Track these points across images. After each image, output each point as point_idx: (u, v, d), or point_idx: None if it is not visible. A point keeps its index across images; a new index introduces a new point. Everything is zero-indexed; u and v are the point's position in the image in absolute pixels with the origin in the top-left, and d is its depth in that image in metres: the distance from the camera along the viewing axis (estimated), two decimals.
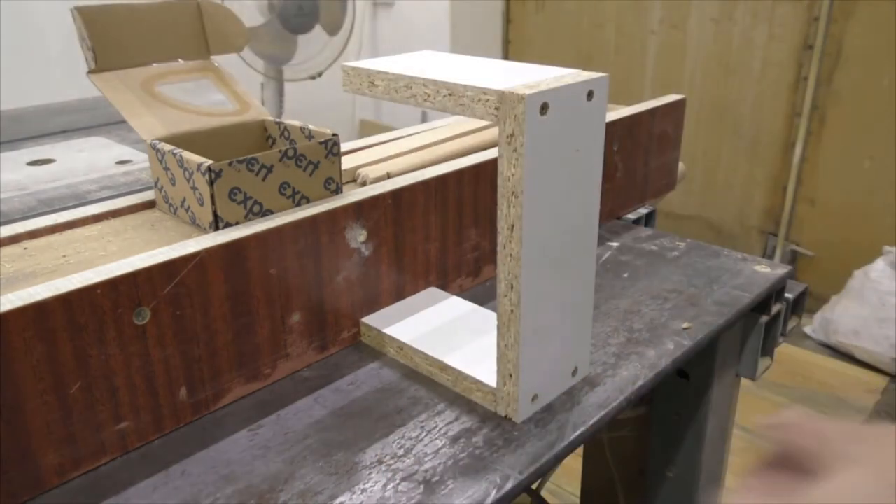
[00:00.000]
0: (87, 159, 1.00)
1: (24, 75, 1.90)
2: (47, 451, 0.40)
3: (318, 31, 1.85)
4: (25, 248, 0.48)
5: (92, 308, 0.40)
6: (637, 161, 0.79)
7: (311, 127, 0.55)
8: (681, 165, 0.89)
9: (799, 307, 0.72)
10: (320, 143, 0.52)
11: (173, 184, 0.51)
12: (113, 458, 0.44)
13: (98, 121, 1.19)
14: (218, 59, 0.60)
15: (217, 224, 0.48)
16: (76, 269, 0.42)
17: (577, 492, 1.00)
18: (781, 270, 0.68)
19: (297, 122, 0.57)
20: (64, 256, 0.47)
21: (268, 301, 0.49)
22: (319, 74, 1.95)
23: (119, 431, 0.43)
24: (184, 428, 0.47)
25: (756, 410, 1.75)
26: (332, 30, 1.88)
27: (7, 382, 0.38)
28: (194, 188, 0.48)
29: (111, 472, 0.43)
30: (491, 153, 0.63)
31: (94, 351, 0.41)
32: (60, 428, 0.41)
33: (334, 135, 0.53)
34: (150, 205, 0.56)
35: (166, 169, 0.51)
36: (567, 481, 1.43)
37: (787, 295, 0.69)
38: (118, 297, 0.41)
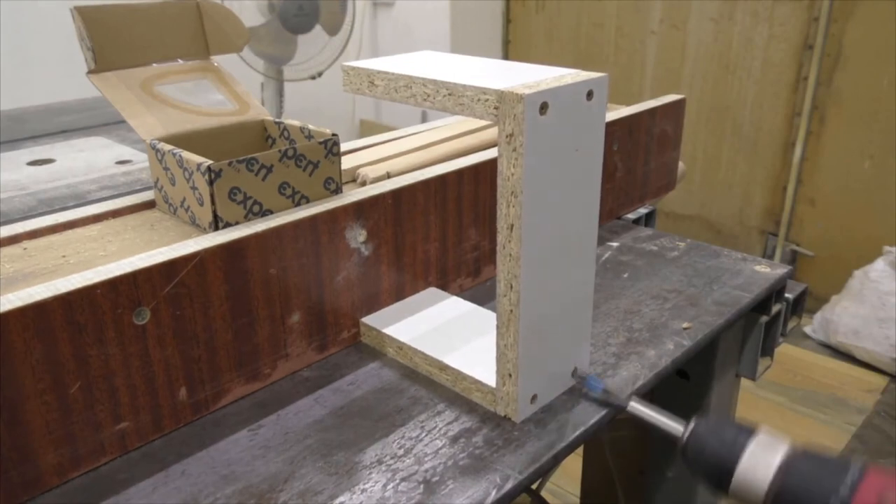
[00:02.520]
0: (87, 159, 1.00)
1: (24, 75, 1.90)
2: (47, 450, 0.40)
3: (318, 31, 1.85)
4: (25, 249, 0.48)
5: (91, 308, 0.40)
6: (637, 161, 0.79)
7: (311, 127, 0.55)
8: (681, 165, 0.89)
9: (799, 307, 0.72)
10: (320, 142, 0.52)
11: (173, 184, 0.51)
12: (113, 458, 0.44)
13: (98, 121, 1.19)
14: (218, 59, 0.60)
15: (217, 224, 0.48)
16: (76, 270, 0.42)
17: (577, 492, 1.00)
18: (781, 270, 0.68)
19: (296, 122, 0.57)
20: (64, 256, 0.47)
21: (267, 301, 0.49)
22: (319, 74, 1.95)
23: (119, 431, 0.43)
24: (184, 428, 0.47)
25: (756, 410, 1.75)
26: (332, 30, 1.88)
27: (7, 382, 0.38)
28: (194, 188, 0.48)
29: (111, 472, 0.43)
30: (491, 153, 0.63)
31: (94, 351, 0.41)
32: (60, 428, 0.41)
33: (334, 135, 0.53)
34: (149, 205, 0.56)
35: (166, 169, 0.51)
36: (567, 481, 1.43)
37: (786, 295, 0.69)
38: (118, 297, 0.41)
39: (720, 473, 0.40)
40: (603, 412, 0.48)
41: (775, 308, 0.68)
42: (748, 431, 0.41)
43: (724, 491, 0.41)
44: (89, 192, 0.87)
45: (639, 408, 0.44)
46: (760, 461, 0.39)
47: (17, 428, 0.39)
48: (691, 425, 0.43)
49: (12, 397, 0.38)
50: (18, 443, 0.39)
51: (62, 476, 0.42)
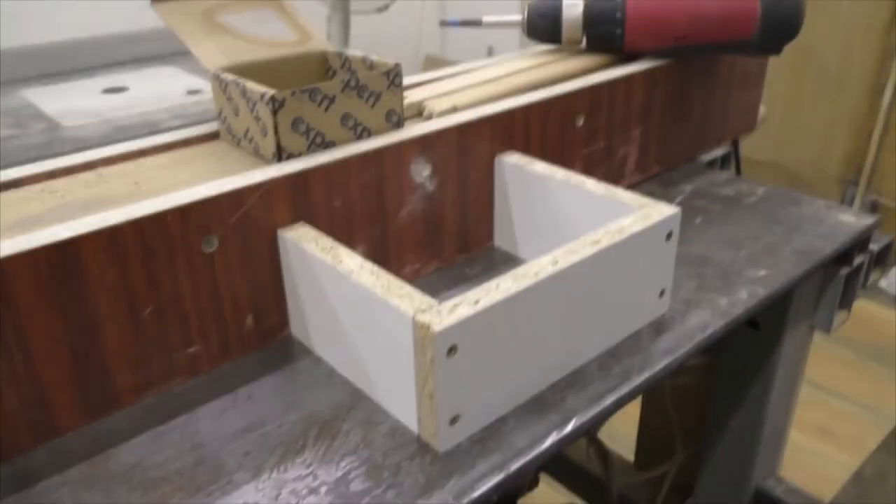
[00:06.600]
0: (159, 88, 1.01)
1: (98, 2, 1.93)
2: (122, 370, 0.42)
3: None
4: (100, 175, 0.49)
5: (162, 234, 0.41)
6: (715, 99, 0.75)
7: (373, 58, 0.54)
8: (761, 108, 0.84)
9: (882, 260, 0.69)
10: (382, 73, 0.51)
11: (237, 114, 0.51)
12: (183, 380, 0.45)
13: (170, 50, 1.20)
14: None
15: (280, 155, 0.48)
16: (147, 196, 0.42)
17: (632, 435, 1.00)
18: (867, 221, 0.64)
19: (358, 53, 0.55)
20: (136, 183, 0.47)
21: (331, 232, 0.49)
22: (386, 7, 1.91)
23: (189, 355, 0.45)
24: (250, 355, 0.48)
25: (821, 364, 1.69)
26: None
27: (83, 305, 0.39)
28: (257, 118, 0.48)
29: (183, 393, 0.44)
30: (558, 89, 0.61)
31: (165, 276, 0.42)
32: (134, 349, 0.42)
33: (396, 65, 0.51)
34: (218, 135, 0.56)
35: (230, 99, 0.51)
36: (622, 425, 1.43)
37: (871, 246, 0.66)
38: (188, 224, 0.42)
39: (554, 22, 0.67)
40: (670, 359, 0.47)
41: (858, 260, 0.65)
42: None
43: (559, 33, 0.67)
44: (161, 120, 0.88)
45: (490, 20, 0.68)
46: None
47: (94, 348, 0.40)
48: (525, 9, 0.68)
49: (89, 319, 0.39)
50: (96, 362, 0.41)
51: (138, 395, 0.43)
